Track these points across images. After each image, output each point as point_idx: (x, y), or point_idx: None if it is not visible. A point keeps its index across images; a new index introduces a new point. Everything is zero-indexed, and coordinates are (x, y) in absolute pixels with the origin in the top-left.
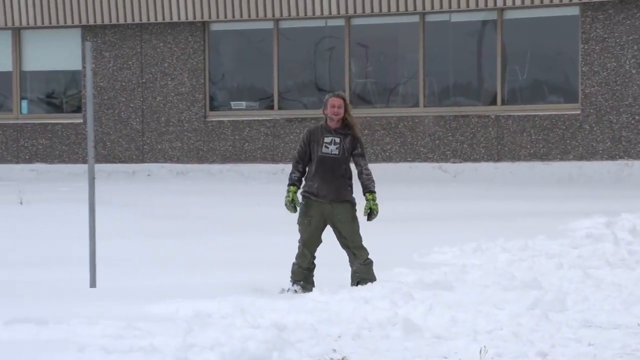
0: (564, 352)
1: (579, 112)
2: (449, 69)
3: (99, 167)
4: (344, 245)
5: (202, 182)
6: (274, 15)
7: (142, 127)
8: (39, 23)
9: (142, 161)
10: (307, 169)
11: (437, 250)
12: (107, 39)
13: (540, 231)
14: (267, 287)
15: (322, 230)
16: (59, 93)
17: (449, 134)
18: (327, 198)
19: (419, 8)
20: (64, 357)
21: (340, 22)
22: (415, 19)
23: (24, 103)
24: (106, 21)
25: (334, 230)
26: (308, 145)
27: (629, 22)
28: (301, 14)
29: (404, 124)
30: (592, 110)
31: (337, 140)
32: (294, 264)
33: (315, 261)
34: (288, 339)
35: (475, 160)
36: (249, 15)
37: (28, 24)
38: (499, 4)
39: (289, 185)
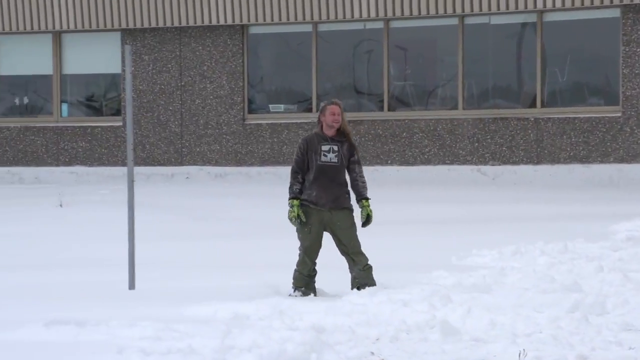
0: (604, 355)
1: (619, 114)
2: (488, 72)
3: (138, 170)
4: (343, 252)
5: (240, 185)
6: (312, 18)
7: (181, 130)
8: (79, 27)
9: (181, 164)
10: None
11: (476, 253)
12: (146, 42)
13: (580, 234)
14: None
15: (322, 237)
16: (98, 96)
17: (488, 137)
18: (327, 206)
19: (458, 10)
20: (102, 359)
21: (379, 24)
22: (455, 21)
23: (64, 106)
24: (146, 25)
25: (333, 237)
26: (306, 155)
27: None
28: (340, 16)
29: (443, 126)
30: (633, 113)
31: (335, 148)
32: (295, 270)
33: (316, 267)
34: (326, 341)
35: (514, 162)
36: (288, 18)
37: (68, 27)
38: (539, 6)
39: (292, 198)
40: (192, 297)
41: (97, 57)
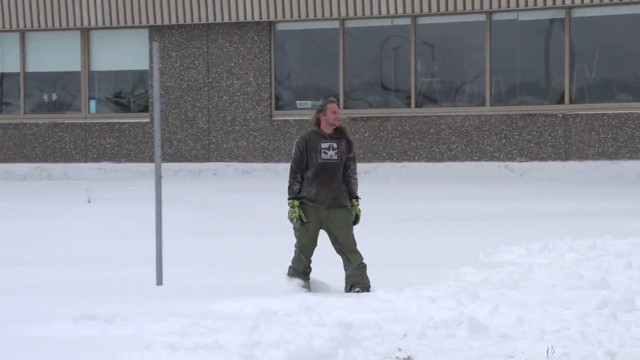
0: (633, 352)
1: None
2: (516, 68)
3: (166, 166)
4: (339, 250)
5: (267, 181)
6: (339, 15)
7: (208, 126)
8: (107, 23)
9: (208, 160)
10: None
11: (504, 250)
12: (174, 39)
13: (609, 230)
14: (332, 285)
15: (318, 234)
16: (126, 93)
17: (516, 133)
18: (325, 204)
19: (486, 7)
20: (130, 354)
21: (406, 21)
22: (482, 17)
23: (92, 103)
24: (173, 21)
25: (329, 235)
26: (305, 153)
27: None
28: (367, 13)
29: (470, 123)
30: None
31: (335, 145)
32: (290, 267)
33: (310, 265)
34: (353, 337)
35: (542, 159)
36: (315, 15)
37: (96, 24)
38: (567, 2)
39: (292, 199)
40: (219, 292)
41: (124, 53)
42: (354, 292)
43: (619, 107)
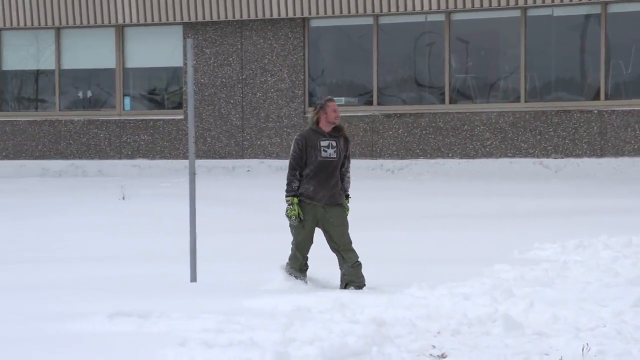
0: None
1: None
2: (551, 64)
3: (200, 163)
4: (334, 249)
5: None
6: (373, 11)
7: (242, 123)
8: (141, 20)
9: (242, 157)
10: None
11: (538, 247)
12: (208, 35)
13: None
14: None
15: (314, 232)
16: (160, 89)
17: (551, 129)
18: (322, 201)
19: (521, 2)
20: (165, 351)
21: (441, 17)
22: (517, 13)
23: (127, 99)
24: (207, 18)
25: (324, 233)
26: (305, 151)
27: None
28: (401, 9)
29: (505, 119)
30: None
31: (334, 143)
32: (287, 263)
33: (307, 262)
34: (387, 334)
35: (577, 155)
36: (349, 11)
37: (131, 21)
38: None
39: (292, 196)
40: (253, 289)
41: (159, 50)
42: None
43: None
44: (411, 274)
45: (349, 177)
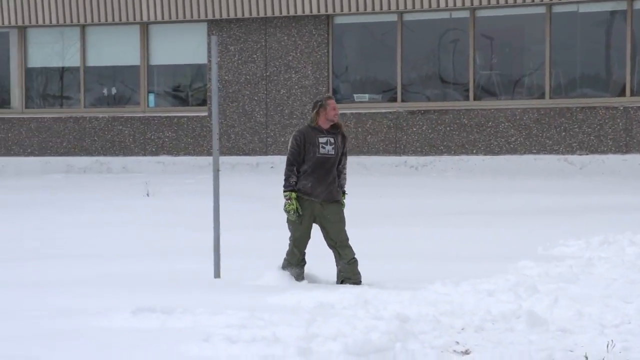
0: None
1: None
2: (576, 60)
3: (223, 160)
4: (330, 245)
5: None
6: (398, 8)
7: (266, 120)
8: (166, 18)
9: (266, 153)
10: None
11: (563, 243)
12: (232, 32)
13: None
14: (389, 278)
15: (312, 228)
16: (184, 86)
17: (576, 126)
18: (320, 197)
19: None
20: (189, 346)
21: (465, 14)
22: (542, 10)
23: (151, 96)
24: (231, 15)
25: (321, 229)
26: (303, 147)
27: None
28: (425, 6)
29: (529, 115)
30: None
31: (332, 140)
32: (284, 259)
33: (305, 258)
34: (411, 330)
35: (602, 152)
36: (373, 8)
37: (155, 18)
38: None
39: (290, 191)
40: (276, 285)
41: (183, 47)
42: None
43: None
44: (435, 270)
45: (345, 174)
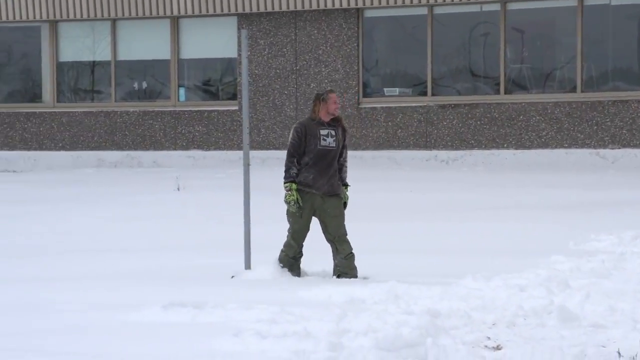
0: None
1: None
2: (608, 53)
3: (254, 154)
4: (329, 239)
5: (354, 169)
6: (428, 1)
7: (296, 114)
8: (196, 12)
9: None
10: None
11: (594, 238)
12: (262, 26)
13: None
14: (420, 273)
15: (311, 221)
16: (215, 80)
17: (608, 120)
18: (321, 190)
19: None
20: (220, 341)
21: (496, 7)
22: (574, 2)
23: (182, 90)
24: (261, 9)
25: (320, 223)
26: (304, 139)
27: None
28: None
29: (561, 109)
30: None
31: (333, 132)
32: (281, 251)
33: (302, 250)
34: (442, 325)
35: (634, 146)
36: (404, 1)
37: (186, 12)
38: None
39: (290, 182)
40: (307, 280)
41: (213, 41)
42: None
43: None
44: (466, 265)
45: (346, 167)
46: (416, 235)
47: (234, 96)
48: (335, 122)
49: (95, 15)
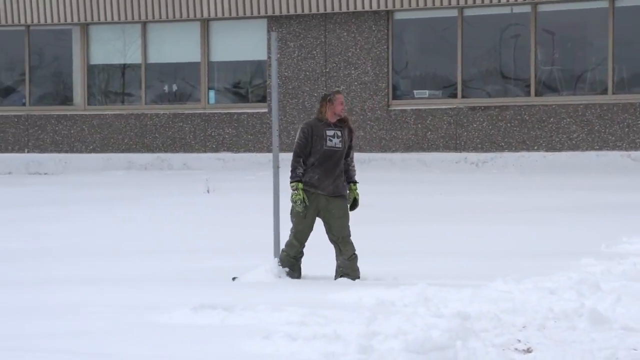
0: None
1: None
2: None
3: (283, 156)
4: (332, 240)
5: (384, 171)
6: (458, 3)
7: None
8: (226, 14)
9: None
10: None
11: (626, 241)
12: (292, 29)
13: None
14: (450, 276)
15: (314, 222)
16: (244, 83)
17: (639, 122)
18: (326, 191)
19: None
20: (250, 343)
21: (527, 9)
22: (605, 4)
23: (212, 93)
24: (291, 11)
25: (324, 224)
26: (310, 139)
27: None
28: (486, 1)
29: (592, 111)
30: None
31: (339, 133)
32: (282, 250)
33: (303, 250)
34: (471, 328)
35: None
36: (433, 4)
37: (216, 15)
38: None
39: (297, 181)
40: (336, 282)
41: (243, 44)
42: None
43: None
44: (496, 267)
45: (354, 166)
46: (446, 237)
47: (263, 99)
48: (341, 123)
49: (126, 18)
